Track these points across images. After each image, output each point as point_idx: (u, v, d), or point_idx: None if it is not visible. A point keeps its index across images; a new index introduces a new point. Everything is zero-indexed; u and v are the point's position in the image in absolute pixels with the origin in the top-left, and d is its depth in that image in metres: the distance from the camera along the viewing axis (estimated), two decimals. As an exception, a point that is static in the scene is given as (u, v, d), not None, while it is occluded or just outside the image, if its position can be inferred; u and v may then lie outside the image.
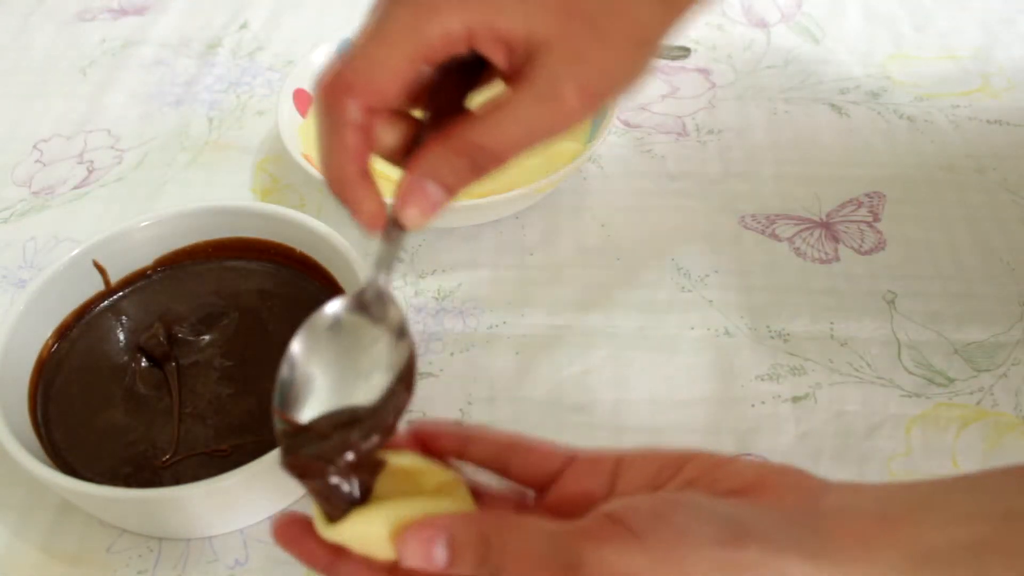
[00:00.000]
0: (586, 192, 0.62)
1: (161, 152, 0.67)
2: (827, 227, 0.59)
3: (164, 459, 0.46)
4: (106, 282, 0.53)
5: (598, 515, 0.30)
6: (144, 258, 0.54)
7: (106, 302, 0.53)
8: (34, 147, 0.68)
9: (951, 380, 0.51)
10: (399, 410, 0.35)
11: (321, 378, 0.35)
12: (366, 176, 0.35)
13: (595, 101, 0.34)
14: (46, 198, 0.64)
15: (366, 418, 0.34)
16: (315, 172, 0.57)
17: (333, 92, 0.34)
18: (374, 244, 0.59)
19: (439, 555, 0.30)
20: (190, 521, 0.45)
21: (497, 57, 0.34)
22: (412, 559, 0.31)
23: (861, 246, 0.58)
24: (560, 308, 0.55)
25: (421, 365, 0.53)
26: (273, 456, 0.42)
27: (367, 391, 0.35)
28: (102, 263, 0.52)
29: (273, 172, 0.65)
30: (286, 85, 0.63)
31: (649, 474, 0.33)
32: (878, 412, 0.50)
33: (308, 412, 0.35)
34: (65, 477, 0.43)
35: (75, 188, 0.64)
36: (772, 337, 0.53)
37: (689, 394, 0.51)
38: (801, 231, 0.59)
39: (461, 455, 0.36)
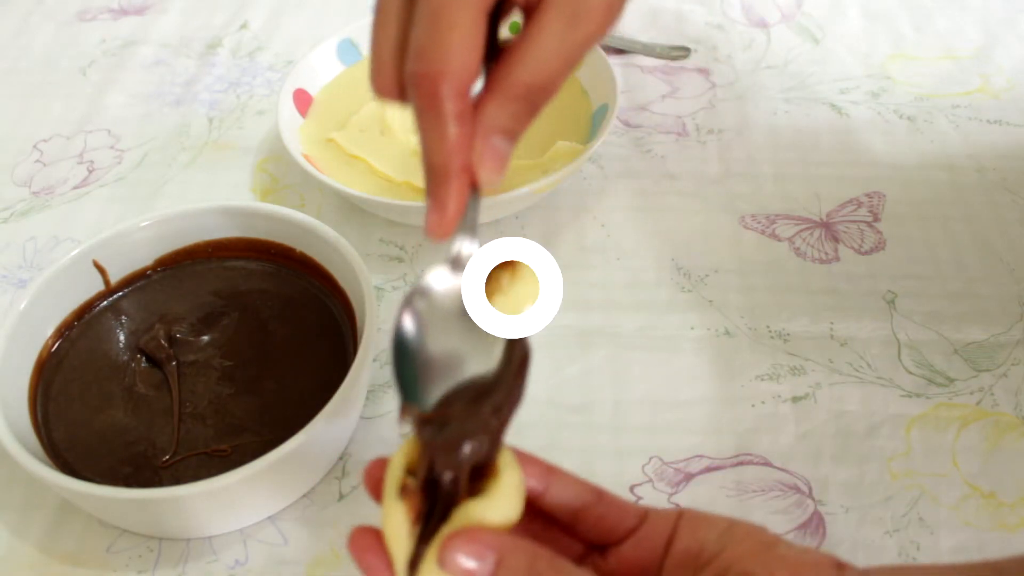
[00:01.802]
0: (586, 192, 0.62)
1: (161, 152, 0.67)
2: (827, 227, 0.59)
3: (164, 459, 0.46)
4: (106, 282, 0.53)
5: None
6: (144, 258, 0.54)
7: (106, 302, 0.53)
8: (34, 147, 0.68)
9: (951, 380, 0.51)
10: (523, 373, 0.33)
11: (435, 357, 0.34)
12: (464, 173, 0.34)
13: (617, 4, 0.34)
14: (46, 198, 0.64)
15: (493, 388, 0.32)
16: (315, 172, 0.57)
17: (429, 83, 0.32)
18: (373, 244, 0.59)
19: (481, 572, 0.29)
20: (190, 521, 0.45)
21: None
22: (451, 568, 0.29)
23: (861, 246, 0.58)
24: (560, 308, 0.55)
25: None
26: (273, 456, 0.42)
27: (484, 360, 0.33)
28: (102, 263, 0.52)
29: (273, 172, 0.65)
30: (286, 85, 0.63)
31: (696, 543, 0.33)
32: (878, 412, 0.50)
33: (432, 396, 0.33)
34: (65, 477, 0.43)
35: (75, 188, 0.64)
36: (772, 337, 0.53)
37: (689, 394, 0.51)
38: (801, 231, 0.59)
39: (544, 489, 0.34)
